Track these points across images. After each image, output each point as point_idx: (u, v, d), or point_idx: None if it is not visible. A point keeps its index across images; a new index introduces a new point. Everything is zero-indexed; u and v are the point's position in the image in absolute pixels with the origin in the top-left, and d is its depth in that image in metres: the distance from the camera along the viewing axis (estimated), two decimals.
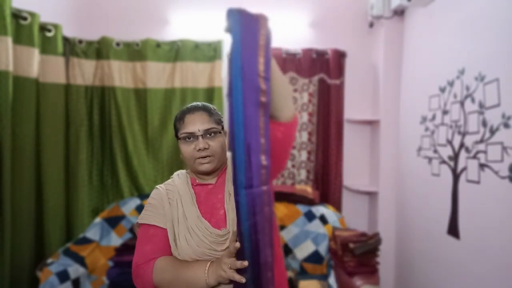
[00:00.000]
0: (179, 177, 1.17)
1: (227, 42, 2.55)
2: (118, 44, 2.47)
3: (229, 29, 0.93)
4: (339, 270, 2.04)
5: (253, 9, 0.97)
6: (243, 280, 0.90)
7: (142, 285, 1.03)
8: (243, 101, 0.90)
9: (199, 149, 1.07)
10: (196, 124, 1.08)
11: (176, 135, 1.13)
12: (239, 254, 0.93)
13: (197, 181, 1.14)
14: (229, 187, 1.10)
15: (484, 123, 1.61)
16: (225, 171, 1.15)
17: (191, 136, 1.08)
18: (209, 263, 0.99)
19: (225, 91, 2.60)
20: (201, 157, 1.07)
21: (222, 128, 1.15)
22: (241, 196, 0.90)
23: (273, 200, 0.98)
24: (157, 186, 1.16)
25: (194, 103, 1.16)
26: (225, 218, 1.06)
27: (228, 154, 1.08)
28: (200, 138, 1.08)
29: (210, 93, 2.55)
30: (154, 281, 1.01)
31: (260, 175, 0.91)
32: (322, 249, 2.26)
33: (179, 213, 1.08)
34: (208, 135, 1.09)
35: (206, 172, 1.09)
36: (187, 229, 1.04)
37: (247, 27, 0.94)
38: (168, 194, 1.12)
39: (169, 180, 1.18)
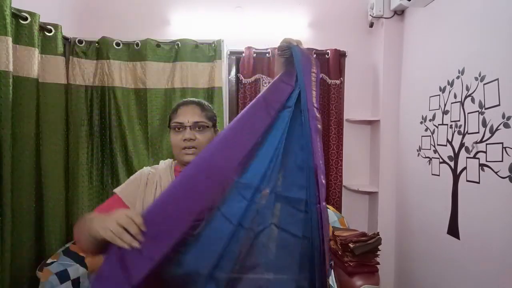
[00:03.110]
0: (165, 163, 1.23)
1: (227, 42, 2.56)
2: (118, 44, 2.47)
3: (291, 61, 1.09)
4: (339, 270, 2.04)
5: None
6: (130, 245, 0.79)
7: (77, 237, 1.00)
8: (310, 128, 1.02)
9: (185, 139, 1.12)
10: (187, 115, 1.14)
11: (169, 125, 1.19)
12: (309, 261, 0.99)
13: (180, 169, 1.19)
14: None
15: (484, 123, 1.61)
16: None
17: (181, 126, 1.14)
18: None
19: (225, 91, 2.59)
20: (187, 147, 1.12)
21: (214, 125, 1.21)
22: (313, 212, 0.98)
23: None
24: (145, 167, 1.22)
25: (192, 98, 1.22)
26: None
27: None
28: (188, 129, 1.13)
29: (210, 93, 2.54)
30: (75, 230, 1.00)
31: (324, 193, 1.00)
32: None
33: (156, 194, 1.11)
34: (196, 128, 1.14)
35: (189, 163, 1.14)
36: None
37: (305, 64, 1.11)
38: (149, 175, 1.17)
39: (156, 165, 1.24)
